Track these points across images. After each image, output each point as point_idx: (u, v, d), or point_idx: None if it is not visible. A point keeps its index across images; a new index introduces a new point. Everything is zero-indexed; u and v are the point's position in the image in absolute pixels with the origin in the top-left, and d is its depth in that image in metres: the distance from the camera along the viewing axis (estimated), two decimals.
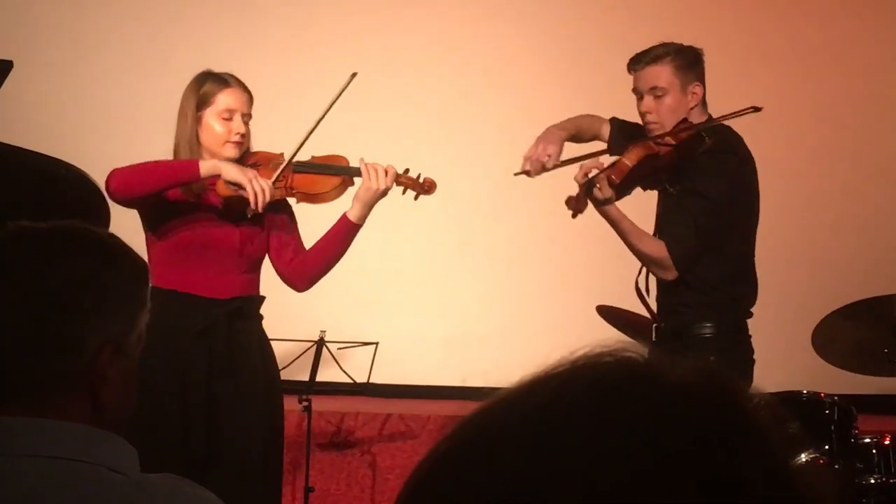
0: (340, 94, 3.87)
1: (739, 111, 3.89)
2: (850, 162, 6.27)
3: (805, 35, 6.30)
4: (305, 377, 4.88)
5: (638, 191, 4.00)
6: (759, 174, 4.00)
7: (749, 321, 3.97)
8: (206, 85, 3.84)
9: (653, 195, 4.07)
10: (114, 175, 3.70)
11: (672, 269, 3.87)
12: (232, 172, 3.73)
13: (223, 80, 3.85)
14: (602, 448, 0.67)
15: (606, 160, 3.90)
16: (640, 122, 4.01)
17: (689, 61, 3.94)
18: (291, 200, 3.97)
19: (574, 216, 3.86)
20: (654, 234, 3.99)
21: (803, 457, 0.72)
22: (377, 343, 4.98)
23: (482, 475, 0.68)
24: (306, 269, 3.91)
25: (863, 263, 6.06)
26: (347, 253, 3.92)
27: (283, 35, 6.23)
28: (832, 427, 3.86)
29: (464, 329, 6.14)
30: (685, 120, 3.91)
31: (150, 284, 1.70)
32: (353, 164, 3.92)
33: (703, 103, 3.97)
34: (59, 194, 3.49)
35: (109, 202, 3.53)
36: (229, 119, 3.82)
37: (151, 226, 3.82)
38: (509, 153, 6.15)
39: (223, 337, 3.76)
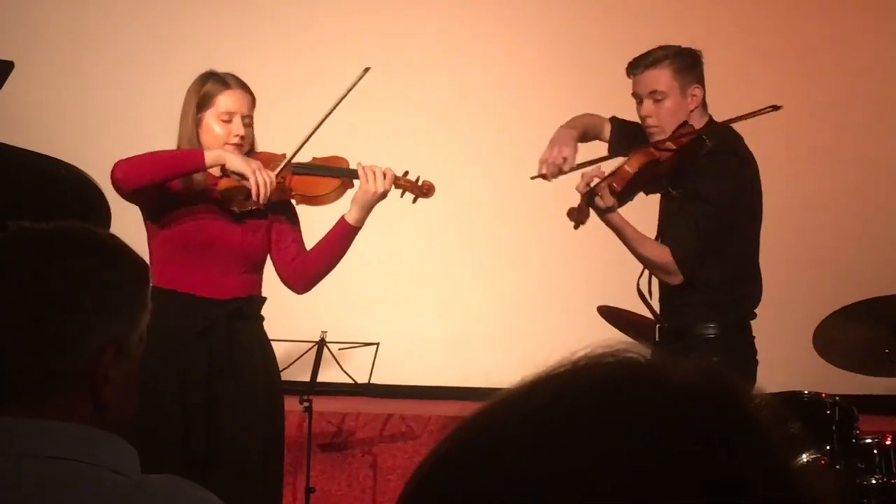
0: (352, 89, 3.85)
1: (759, 110, 3.90)
2: (851, 162, 6.26)
3: (805, 35, 6.30)
4: (306, 378, 4.88)
5: (640, 194, 4.00)
6: (760, 174, 4.00)
7: (751, 322, 3.98)
8: (207, 86, 3.83)
9: (655, 199, 4.07)
10: (118, 166, 3.70)
11: (677, 274, 3.88)
12: (236, 163, 3.74)
13: (224, 82, 3.84)
14: (603, 449, 0.67)
15: (607, 166, 3.90)
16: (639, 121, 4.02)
17: (687, 64, 3.94)
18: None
19: (576, 227, 3.87)
20: (657, 237, 4.00)
21: (805, 457, 0.72)
22: (378, 343, 4.98)
23: (483, 476, 0.68)
24: (305, 272, 3.91)
25: (864, 264, 6.06)
26: (348, 253, 3.92)
27: (283, 35, 6.23)
28: (833, 427, 3.86)
29: (465, 329, 6.14)
30: (686, 123, 3.91)
31: (151, 284, 1.70)
32: (354, 165, 3.92)
33: (704, 105, 3.97)
34: (60, 195, 3.49)
35: (109, 203, 3.53)
36: (229, 121, 3.82)
37: (153, 216, 3.82)
38: (510, 153, 6.18)
39: (223, 337, 3.76)
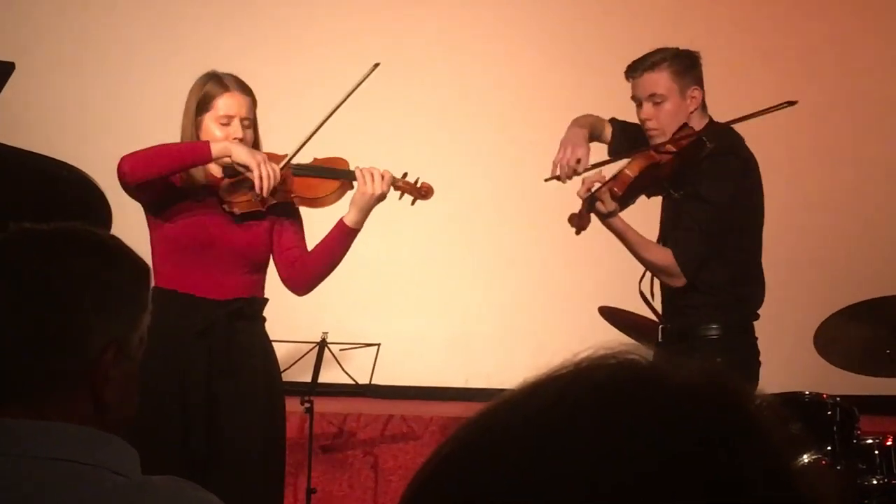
0: (360, 84, 3.85)
1: (774, 106, 3.90)
2: (851, 162, 6.26)
3: (805, 35, 6.30)
4: (307, 378, 4.88)
5: (642, 197, 4.00)
6: (761, 175, 4.01)
7: (753, 322, 3.98)
8: (207, 88, 3.83)
9: (657, 201, 4.08)
10: (125, 159, 3.70)
11: (680, 276, 3.88)
12: (242, 154, 3.74)
13: (223, 85, 3.83)
14: (604, 450, 0.67)
15: (608, 171, 3.90)
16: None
17: (686, 65, 3.94)
18: None
19: (578, 233, 3.86)
20: (660, 240, 4.00)
21: (806, 458, 0.72)
22: (379, 344, 4.98)
23: (485, 477, 0.68)
24: (305, 274, 3.91)
25: (865, 264, 6.06)
26: (349, 254, 3.92)
27: (284, 35, 6.23)
28: (834, 428, 3.86)
29: (466, 330, 6.14)
30: (686, 125, 3.91)
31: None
32: (354, 166, 3.92)
33: (703, 106, 3.97)
34: (60, 195, 3.50)
35: (110, 204, 3.53)
36: (227, 124, 3.81)
37: (155, 212, 3.82)
38: (510, 153, 6.18)
39: (223, 337, 3.76)
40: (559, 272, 6.15)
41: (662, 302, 4.04)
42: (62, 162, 3.58)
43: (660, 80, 3.90)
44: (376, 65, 3.85)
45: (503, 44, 6.27)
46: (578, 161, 3.93)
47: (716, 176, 3.88)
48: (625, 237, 3.87)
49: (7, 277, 1.61)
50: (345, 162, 3.95)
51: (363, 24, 6.18)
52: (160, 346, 3.39)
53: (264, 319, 3.89)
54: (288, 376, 4.29)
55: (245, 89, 3.86)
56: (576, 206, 3.86)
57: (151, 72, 6.05)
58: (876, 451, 3.86)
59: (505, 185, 6.15)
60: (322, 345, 4.91)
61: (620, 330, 4.43)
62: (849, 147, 6.27)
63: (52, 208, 3.35)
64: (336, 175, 3.91)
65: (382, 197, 3.85)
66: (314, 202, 3.92)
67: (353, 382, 5.01)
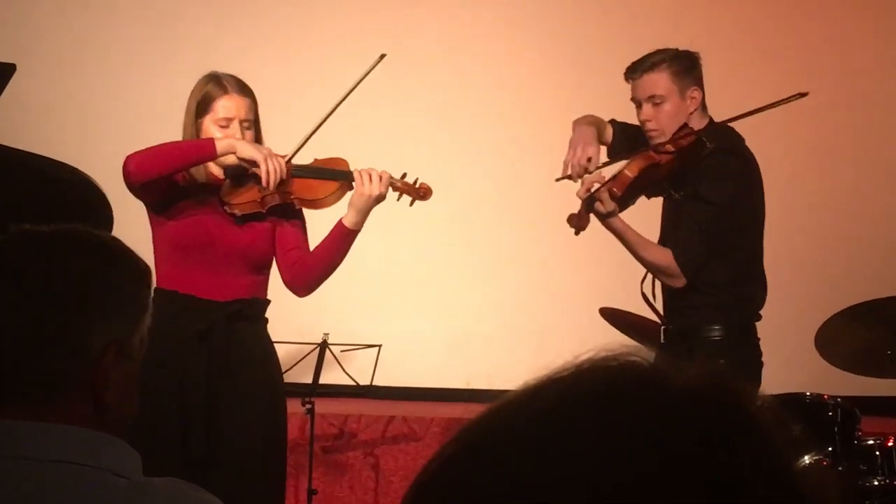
0: (366, 75, 3.85)
1: (786, 98, 3.90)
2: (852, 163, 6.26)
3: (805, 35, 6.30)
4: (308, 380, 4.88)
5: (642, 198, 4.00)
6: (761, 175, 4.01)
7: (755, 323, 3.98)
8: (207, 89, 3.82)
9: (657, 202, 4.07)
10: (131, 158, 3.70)
11: (680, 277, 3.88)
12: (247, 149, 3.74)
13: (222, 87, 3.82)
14: (605, 451, 0.67)
15: (608, 171, 3.90)
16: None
17: (685, 66, 3.94)
18: None
19: (577, 233, 3.86)
20: (660, 240, 4.00)
21: (807, 459, 0.72)
22: (380, 345, 4.98)
23: (487, 478, 0.68)
24: (305, 275, 3.90)
25: (866, 265, 6.06)
26: (350, 254, 3.91)
27: (284, 35, 6.23)
28: (835, 429, 3.86)
29: (467, 331, 6.14)
30: (685, 125, 3.91)
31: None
32: (354, 166, 3.91)
33: (703, 107, 3.97)
34: (61, 196, 3.50)
35: (112, 205, 3.53)
36: (227, 127, 3.81)
37: (157, 211, 3.82)
38: (510, 153, 6.18)
39: (223, 338, 3.75)
40: (559, 272, 6.14)
41: (664, 303, 4.04)
42: (63, 163, 3.57)
43: (659, 82, 3.90)
44: (382, 55, 3.85)
45: (503, 44, 6.27)
46: (589, 160, 3.92)
47: (716, 176, 3.88)
48: (624, 237, 3.87)
49: (8, 278, 1.61)
50: (345, 162, 3.94)
51: (363, 24, 6.18)
52: (160, 347, 3.39)
53: (266, 320, 3.89)
54: (289, 377, 4.28)
55: (245, 90, 3.85)
56: (575, 206, 3.86)
57: (151, 72, 6.05)
58: (877, 452, 3.86)
59: (505, 185, 6.15)
60: (323, 346, 4.91)
61: (621, 331, 4.42)
62: (849, 147, 6.27)
63: (52, 210, 3.35)
64: (335, 176, 3.90)
65: (381, 198, 3.84)
66: (313, 203, 3.91)
67: (354, 383, 5.01)
